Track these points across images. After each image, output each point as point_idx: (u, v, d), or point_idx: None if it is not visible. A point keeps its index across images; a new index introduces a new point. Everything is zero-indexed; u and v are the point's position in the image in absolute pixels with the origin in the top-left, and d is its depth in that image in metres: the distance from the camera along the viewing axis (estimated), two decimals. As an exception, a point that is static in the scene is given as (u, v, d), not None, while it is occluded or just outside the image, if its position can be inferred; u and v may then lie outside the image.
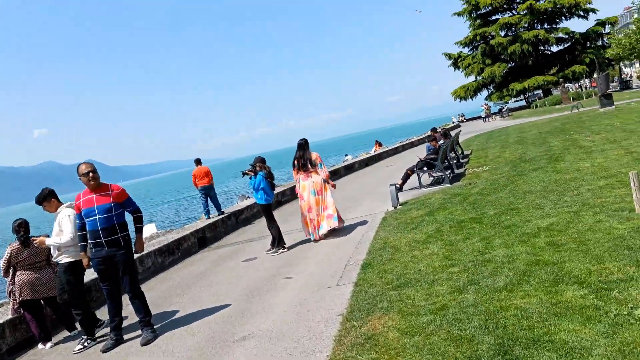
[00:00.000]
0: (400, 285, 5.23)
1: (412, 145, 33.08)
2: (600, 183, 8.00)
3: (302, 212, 9.07)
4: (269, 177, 8.68)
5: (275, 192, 9.68)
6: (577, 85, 76.71)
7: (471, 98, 63.72)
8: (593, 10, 58.52)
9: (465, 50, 63.06)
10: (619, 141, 12.37)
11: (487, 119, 49.59)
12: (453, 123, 54.73)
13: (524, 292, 4.23)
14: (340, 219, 9.12)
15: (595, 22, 58.56)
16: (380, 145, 38.71)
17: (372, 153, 31.56)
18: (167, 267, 9.61)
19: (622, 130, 14.56)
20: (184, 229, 12.16)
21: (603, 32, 58.89)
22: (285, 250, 8.69)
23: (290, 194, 16.13)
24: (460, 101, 63.82)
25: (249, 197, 17.92)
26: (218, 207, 13.52)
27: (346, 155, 44.40)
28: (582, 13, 58.50)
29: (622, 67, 69.65)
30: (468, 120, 63.12)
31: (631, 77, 73.10)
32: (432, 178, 13.20)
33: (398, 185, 12.37)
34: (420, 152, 25.18)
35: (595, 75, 66.71)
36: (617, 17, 62.24)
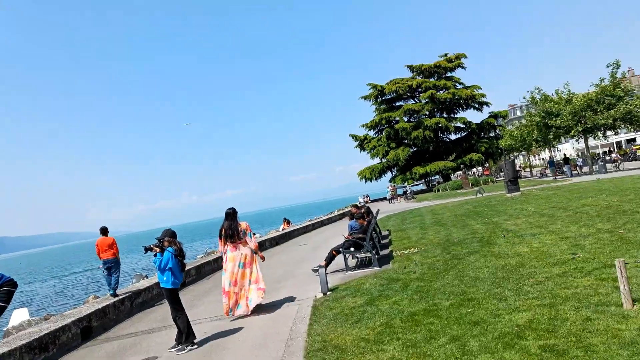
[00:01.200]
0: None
1: (321, 224, 32.29)
2: (555, 270, 7.24)
3: (224, 285, 8.44)
4: (180, 255, 7.11)
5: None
6: (471, 172, 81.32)
7: (376, 179, 65.11)
8: (487, 104, 63.25)
9: (371, 133, 65.03)
10: (545, 226, 12.07)
11: (392, 201, 50.39)
12: (360, 203, 55.11)
13: None
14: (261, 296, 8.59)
15: (489, 115, 63.05)
16: (288, 223, 37.55)
17: (281, 231, 30.27)
18: (37, 367, 7.52)
19: (540, 215, 14.46)
20: (64, 315, 9.97)
21: (495, 124, 63.38)
22: (195, 347, 7.00)
23: (196, 274, 14.34)
24: (365, 182, 64.99)
25: (147, 276, 15.81)
26: (115, 286, 11.52)
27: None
28: (477, 105, 62.94)
29: (512, 157, 74.96)
30: (373, 201, 64.13)
31: (520, 167, 78.75)
32: (356, 259, 12.13)
33: (321, 268, 11.16)
34: (332, 231, 24.37)
35: (487, 164, 71.09)
36: (507, 110, 67.63)
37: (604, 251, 8.08)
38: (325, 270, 10.92)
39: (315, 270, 11.21)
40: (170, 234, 7.24)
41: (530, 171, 62.51)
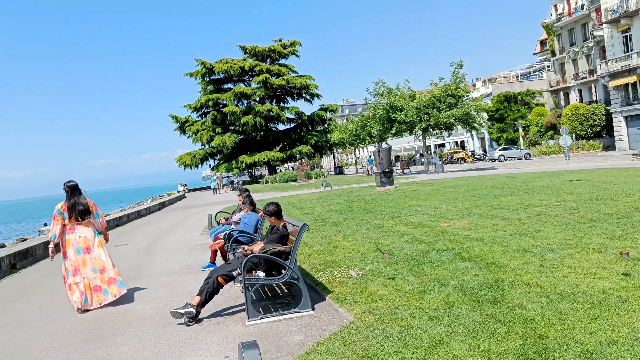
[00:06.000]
0: None
1: (138, 214, 25.58)
2: None
3: (64, 275, 6.95)
4: None
5: None
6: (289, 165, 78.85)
7: (197, 167, 58.68)
8: (318, 96, 60.80)
9: (194, 115, 58.36)
10: (527, 232, 8.00)
11: (217, 191, 44.93)
12: (178, 192, 48.40)
13: None
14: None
15: (320, 107, 60.70)
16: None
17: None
18: None
19: (482, 216, 10.54)
20: None
21: (325, 117, 61.30)
22: None
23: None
24: (185, 169, 58.12)
25: None
26: None
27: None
28: (308, 97, 60.16)
29: (336, 153, 74.04)
30: (191, 190, 57.61)
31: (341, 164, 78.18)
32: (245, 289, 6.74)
33: (192, 312, 5.56)
34: (157, 225, 17.83)
35: (319, 157, 68.64)
36: (338, 105, 66.13)
37: None
38: (198, 314, 5.51)
39: (178, 315, 5.58)
40: None
41: (356, 168, 61.58)
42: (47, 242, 12.94)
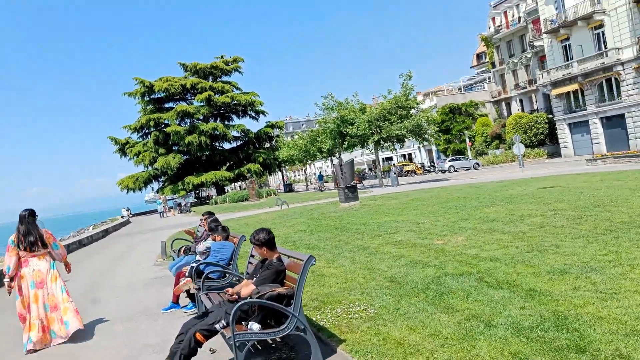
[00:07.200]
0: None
1: (80, 244, 23.30)
2: None
3: (19, 313, 6.29)
4: None
5: None
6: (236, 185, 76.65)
7: (140, 190, 55.82)
8: (264, 113, 59.32)
9: (135, 137, 55.65)
10: (538, 247, 6.95)
11: (164, 214, 42.58)
12: (122, 218, 45.63)
13: None
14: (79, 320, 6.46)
15: (266, 124, 59.23)
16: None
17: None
18: None
19: (476, 230, 9.49)
20: None
21: (272, 134, 59.86)
22: None
23: None
24: (128, 192, 55.14)
25: None
26: None
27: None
28: (254, 114, 58.58)
29: (284, 170, 72.60)
30: (136, 215, 54.71)
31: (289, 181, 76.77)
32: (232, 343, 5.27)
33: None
34: (102, 255, 15.65)
35: (268, 175, 66.90)
36: (284, 122, 64.88)
37: None
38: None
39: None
40: None
41: (306, 185, 60.37)
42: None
